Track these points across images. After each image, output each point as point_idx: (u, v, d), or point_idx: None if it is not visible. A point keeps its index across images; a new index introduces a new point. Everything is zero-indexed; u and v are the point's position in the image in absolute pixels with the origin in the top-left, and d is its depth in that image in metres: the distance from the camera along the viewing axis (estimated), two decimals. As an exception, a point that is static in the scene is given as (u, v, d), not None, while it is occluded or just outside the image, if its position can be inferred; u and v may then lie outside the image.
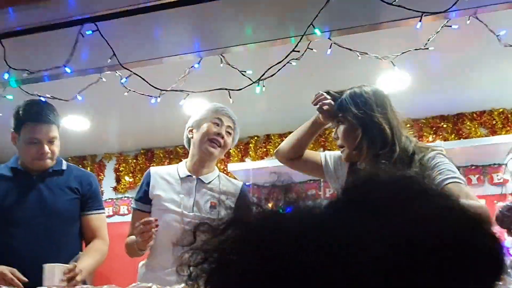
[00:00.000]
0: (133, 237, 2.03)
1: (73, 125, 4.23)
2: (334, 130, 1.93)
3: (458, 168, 4.17)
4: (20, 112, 2.17)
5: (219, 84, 2.59)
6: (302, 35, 1.80)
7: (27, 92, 2.36)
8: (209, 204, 2.12)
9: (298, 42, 1.86)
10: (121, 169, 4.90)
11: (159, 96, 2.24)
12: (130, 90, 2.02)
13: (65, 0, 1.72)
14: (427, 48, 2.02)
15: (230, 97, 2.00)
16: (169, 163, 4.79)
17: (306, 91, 3.74)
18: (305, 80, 3.56)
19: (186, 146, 2.29)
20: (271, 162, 4.13)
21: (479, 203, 1.68)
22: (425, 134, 4.24)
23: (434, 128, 4.26)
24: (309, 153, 2.10)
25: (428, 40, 2.00)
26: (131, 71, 1.91)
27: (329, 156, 2.06)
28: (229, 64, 2.11)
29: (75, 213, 2.27)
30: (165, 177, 2.18)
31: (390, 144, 1.77)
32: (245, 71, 2.07)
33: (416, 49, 2.06)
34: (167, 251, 1.97)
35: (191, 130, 2.21)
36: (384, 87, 3.49)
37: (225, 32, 2.07)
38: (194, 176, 2.17)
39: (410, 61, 2.60)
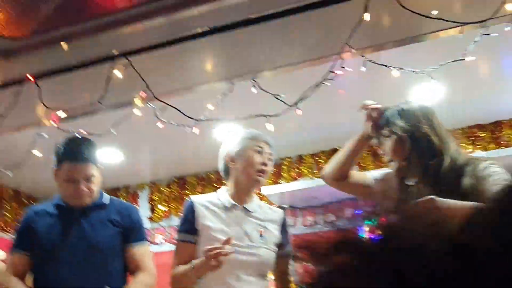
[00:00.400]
0: (184, 266, 1.99)
1: (106, 157, 4.27)
2: (380, 146, 1.94)
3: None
4: (59, 150, 2.22)
5: (250, 109, 2.56)
6: (338, 54, 1.76)
7: (62, 130, 2.38)
8: (257, 233, 2.07)
9: (335, 63, 1.82)
10: (154, 198, 4.91)
11: (194, 125, 2.22)
12: (166, 122, 2.01)
13: (97, 38, 1.72)
14: (463, 59, 1.95)
15: (269, 122, 1.96)
16: (203, 190, 4.77)
17: (338, 109, 3.74)
18: (335, 98, 3.51)
19: (224, 174, 2.25)
20: (305, 184, 4.07)
21: None
22: (462, 144, 4.12)
23: (471, 138, 4.13)
24: (356, 174, 2.07)
25: (466, 51, 1.93)
26: (166, 103, 1.91)
27: (378, 175, 2.02)
28: (261, 89, 2.08)
29: (117, 247, 2.25)
30: (209, 207, 2.13)
31: (438, 155, 1.77)
32: (279, 95, 2.03)
33: (454, 61, 1.99)
34: (219, 283, 1.95)
35: (232, 160, 2.16)
36: (418, 100, 3.45)
37: (256, 57, 2.05)
38: (239, 205, 2.13)
39: (443, 71, 2.54)
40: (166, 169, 4.73)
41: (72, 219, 2.25)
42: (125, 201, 2.51)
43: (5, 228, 4.75)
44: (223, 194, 2.17)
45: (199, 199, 2.18)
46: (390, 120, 1.85)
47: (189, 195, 4.70)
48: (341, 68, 1.94)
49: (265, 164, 2.11)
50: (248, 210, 2.14)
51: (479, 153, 3.87)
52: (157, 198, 4.90)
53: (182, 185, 4.89)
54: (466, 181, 1.67)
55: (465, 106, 3.87)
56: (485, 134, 4.14)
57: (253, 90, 2.13)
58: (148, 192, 4.95)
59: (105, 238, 2.23)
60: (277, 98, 1.98)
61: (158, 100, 1.90)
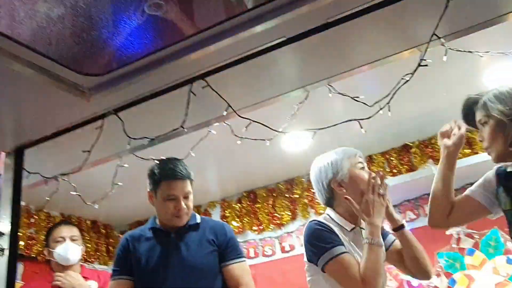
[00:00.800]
0: None
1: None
2: (478, 133, 1.88)
3: None
4: (156, 171, 2.29)
5: (323, 116, 2.50)
6: (427, 44, 1.68)
7: (142, 158, 2.41)
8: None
9: (424, 53, 1.74)
10: (227, 215, 4.92)
11: (270, 139, 2.19)
12: (243, 138, 1.98)
13: (174, 63, 1.72)
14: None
15: (361, 127, 1.90)
16: (274, 202, 4.73)
17: (408, 103, 3.60)
18: (405, 92, 3.38)
19: (326, 201, 2.15)
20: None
21: None
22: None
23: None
24: (458, 202, 1.98)
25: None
26: (249, 119, 1.89)
27: (480, 187, 1.95)
28: (339, 93, 2.02)
29: (215, 266, 2.25)
30: (336, 230, 2.03)
31: None
32: (357, 97, 1.96)
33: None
34: None
35: (339, 185, 2.07)
36: (493, 83, 3.28)
37: (330, 60, 2.00)
38: (356, 227, 2.09)
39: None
40: (235, 184, 4.74)
41: (170, 241, 2.28)
42: (216, 219, 2.52)
43: (88, 259, 4.89)
44: (337, 217, 2.08)
45: (325, 222, 2.04)
46: (488, 104, 1.78)
47: (260, 208, 4.73)
48: (423, 61, 1.84)
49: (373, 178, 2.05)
50: (363, 229, 2.06)
51: None
52: (229, 215, 4.91)
53: (253, 199, 4.88)
54: None
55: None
56: None
57: (329, 95, 2.07)
58: (220, 210, 4.97)
59: (203, 258, 2.23)
60: (357, 100, 1.91)
61: (241, 117, 1.88)
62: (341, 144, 2.30)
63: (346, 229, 2.04)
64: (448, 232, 3.87)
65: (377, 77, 2.61)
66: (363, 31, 1.87)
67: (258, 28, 1.72)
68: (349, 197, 1.98)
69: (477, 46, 2.07)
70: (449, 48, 1.92)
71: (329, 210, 2.13)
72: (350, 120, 1.90)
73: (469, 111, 1.90)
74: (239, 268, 2.27)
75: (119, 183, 2.46)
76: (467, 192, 2.00)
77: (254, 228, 4.76)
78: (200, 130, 2.29)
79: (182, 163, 2.31)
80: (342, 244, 1.95)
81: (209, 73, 1.84)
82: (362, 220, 2.03)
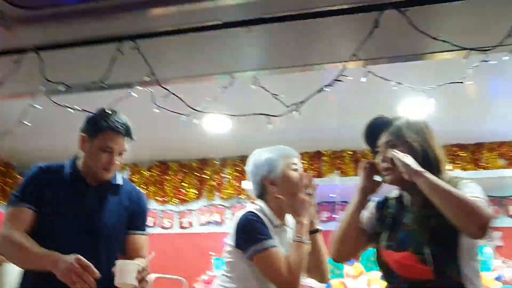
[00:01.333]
0: None
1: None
2: (378, 154, 1.89)
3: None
4: (102, 118, 2.17)
5: (247, 104, 2.59)
6: (342, 69, 1.79)
7: (57, 103, 2.37)
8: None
9: (342, 70, 1.86)
10: (134, 180, 4.89)
11: (188, 115, 2.24)
12: (162, 107, 2.02)
13: (108, 17, 1.72)
14: (462, 82, 2.02)
15: (270, 123, 1.99)
16: (183, 177, 4.78)
17: (324, 114, 3.79)
18: (323, 104, 3.55)
19: (258, 195, 2.18)
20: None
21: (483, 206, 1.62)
22: (442, 162, 4.22)
23: (452, 157, 4.24)
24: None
25: (466, 74, 2.00)
26: (169, 90, 1.92)
27: (369, 213, 2.00)
28: (261, 87, 2.10)
29: (123, 232, 2.21)
30: (267, 224, 2.07)
31: (437, 169, 1.78)
32: (277, 95, 2.06)
33: (453, 82, 2.05)
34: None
35: (271, 183, 2.12)
36: (406, 112, 3.53)
37: (258, 55, 2.08)
38: (283, 224, 2.15)
39: (435, 89, 2.59)
40: (149, 152, 4.72)
41: (87, 194, 2.17)
42: (134, 185, 2.40)
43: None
44: (269, 212, 2.11)
45: (256, 211, 2.09)
46: (403, 128, 1.83)
47: (168, 181, 4.76)
48: (342, 76, 1.97)
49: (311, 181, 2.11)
50: (289, 227, 2.16)
51: (457, 172, 3.98)
52: (137, 180, 4.89)
53: (163, 170, 4.89)
54: None
55: (450, 124, 3.96)
56: (465, 154, 4.25)
57: (253, 87, 2.15)
58: (128, 173, 4.93)
59: (116, 221, 2.18)
60: (276, 98, 2.01)
61: (161, 86, 1.90)
62: (258, 136, 2.38)
63: (274, 224, 2.10)
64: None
65: (303, 82, 2.74)
66: (298, 34, 1.97)
67: (198, 5, 1.76)
68: (280, 196, 2.05)
69: (396, 77, 2.25)
70: (368, 71, 2.08)
71: (260, 202, 2.16)
72: (261, 114, 1.99)
73: (375, 130, 1.91)
74: (144, 240, 2.26)
75: (27, 123, 2.40)
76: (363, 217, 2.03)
77: (158, 198, 4.79)
78: (121, 89, 2.29)
79: (126, 119, 2.22)
80: (272, 237, 2.02)
81: (141, 36, 1.84)
82: (285, 218, 2.14)
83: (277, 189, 2.10)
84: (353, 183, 4.02)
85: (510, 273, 3.85)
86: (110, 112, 2.19)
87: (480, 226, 1.59)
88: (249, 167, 2.23)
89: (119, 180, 2.27)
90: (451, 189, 1.64)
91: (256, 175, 2.17)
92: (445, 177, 1.78)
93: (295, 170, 2.14)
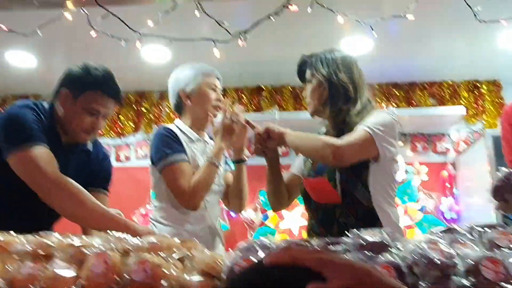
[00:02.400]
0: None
1: (18, 61, 3.96)
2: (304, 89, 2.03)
3: (405, 134, 4.34)
4: (90, 76, 1.91)
5: (189, 33, 2.49)
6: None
7: (-21, 22, 2.17)
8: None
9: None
10: (67, 112, 4.68)
11: (128, 40, 2.12)
12: (100, 31, 1.89)
13: None
14: (406, 17, 2.04)
15: (215, 47, 1.92)
16: (119, 110, 4.63)
17: (268, 47, 3.75)
18: (269, 35, 3.50)
19: (175, 109, 2.25)
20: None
21: (341, 141, 1.79)
22: (378, 100, 4.35)
23: (387, 95, 4.37)
24: (287, 182, 2.09)
25: (408, 9, 2.01)
26: (108, 10, 1.79)
27: (298, 160, 2.13)
28: (205, 13, 2.02)
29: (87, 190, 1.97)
30: (181, 137, 2.13)
31: (352, 101, 1.89)
32: (223, 22, 1.99)
33: (394, 16, 2.06)
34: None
35: (187, 97, 2.16)
36: (346, 49, 3.57)
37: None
38: (201, 138, 2.20)
39: (374, 26, 2.62)
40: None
41: (59, 151, 1.91)
42: (103, 147, 2.20)
43: None
44: (184, 127, 2.17)
45: (172, 127, 2.14)
46: (313, 65, 1.94)
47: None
48: (288, 5, 1.92)
49: (219, 100, 2.16)
50: (207, 142, 2.21)
51: (391, 109, 4.12)
52: (70, 112, 4.68)
53: (98, 101, 4.70)
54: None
55: (387, 63, 4.06)
56: (399, 93, 4.40)
57: (196, 13, 2.06)
58: (60, 104, 4.70)
59: (81, 184, 1.90)
60: (221, 25, 1.94)
61: (100, 5, 1.77)
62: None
63: (191, 138, 2.15)
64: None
65: (247, 12, 2.66)
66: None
67: None
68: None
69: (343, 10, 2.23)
70: (316, 2, 2.05)
71: (177, 120, 2.22)
72: (207, 39, 1.92)
73: (301, 69, 2.04)
74: (106, 200, 2.08)
75: None
76: (291, 169, 2.15)
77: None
78: (54, 10, 2.12)
79: (117, 83, 1.98)
80: (183, 152, 2.06)
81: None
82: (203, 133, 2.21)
83: (191, 103, 2.16)
84: (292, 117, 4.12)
85: (431, 205, 4.15)
86: (101, 70, 1.93)
87: (325, 158, 1.80)
88: (169, 81, 2.27)
89: (90, 146, 2.08)
90: (303, 138, 1.86)
91: (174, 88, 2.22)
92: (366, 107, 1.90)
93: (213, 89, 2.17)
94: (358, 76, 1.94)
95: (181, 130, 2.15)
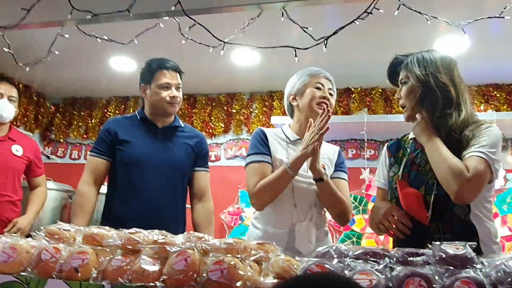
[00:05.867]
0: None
1: (120, 66, 4.26)
2: (397, 90, 1.93)
3: (506, 139, 4.03)
4: (151, 65, 2.51)
5: (276, 38, 2.52)
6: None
7: (84, 32, 2.37)
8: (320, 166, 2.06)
9: (372, 4, 1.78)
10: (163, 112, 4.95)
11: (215, 47, 2.21)
12: (189, 38, 1.99)
13: None
14: (503, 17, 1.91)
15: (296, 55, 1.95)
16: (211, 111, 4.81)
17: (358, 49, 3.69)
18: (358, 37, 3.45)
19: (289, 113, 2.32)
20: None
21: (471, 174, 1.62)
22: (476, 102, 4.10)
23: (486, 97, 4.11)
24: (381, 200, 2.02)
25: (505, 8, 1.89)
26: (195, 20, 1.88)
27: (381, 175, 2.06)
28: (290, 19, 2.04)
29: (190, 167, 2.51)
30: (276, 138, 2.21)
31: (455, 105, 1.77)
32: (306, 28, 2.00)
33: (490, 17, 1.94)
34: (283, 209, 2.10)
35: (294, 98, 2.24)
36: (441, 50, 3.41)
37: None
38: (302, 139, 2.15)
39: (471, 26, 2.47)
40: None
41: (157, 135, 2.48)
42: (195, 129, 2.80)
43: (13, 122, 4.82)
44: (287, 129, 2.26)
45: (268, 130, 2.25)
46: (410, 65, 1.84)
47: (196, 114, 4.80)
48: (375, 9, 1.89)
49: (325, 98, 2.16)
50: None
51: (490, 113, 3.87)
52: (165, 113, 4.94)
53: (192, 103, 4.92)
54: (466, 133, 1.72)
55: (485, 63, 3.81)
56: (500, 95, 4.11)
57: (281, 19, 2.09)
58: (157, 106, 4.98)
59: (185, 160, 2.48)
60: (304, 31, 1.95)
61: (187, 15, 1.87)
62: (287, 71, 2.36)
63: (290, 139, 2.19)
64: (361, 177, 4.13)
65: (335, 16, 2.65)
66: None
67: None
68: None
69: (431, 12, 2.14)
70: (402, 4, 1.99)
71: (286, 122, 2.34)
72: (287, 46, 1.94)
73: (393, 70, 1.95)
74: (207, 178, 2.58)
75: (55, 52, 2.42)
76: (377, 185, 2.08)
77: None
78: (148, 20, 2.27)
79: (173, 61, 2.56)
80: (265, 153, 2.12)
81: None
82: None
83: (297, 103, 2.21)
84: (382, 121, 4.02)
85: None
86: (158, 58, 2.52)
87: (459, 195, 1.63)
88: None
89: (182, 123, 2.62)
90: (440, 153, 1.68)
91: (285, 93, 2.30)
92: (463, 116, 1.74)
93: (318, 88, 2.18)
94: (459, 78, 1.82)
95: (283, 131, 2.23)
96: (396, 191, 1.85)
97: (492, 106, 4.09)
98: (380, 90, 4.40)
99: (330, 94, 2.21)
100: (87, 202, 2.40)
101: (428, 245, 1.44)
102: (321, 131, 1.96)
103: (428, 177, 1.76)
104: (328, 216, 2.22)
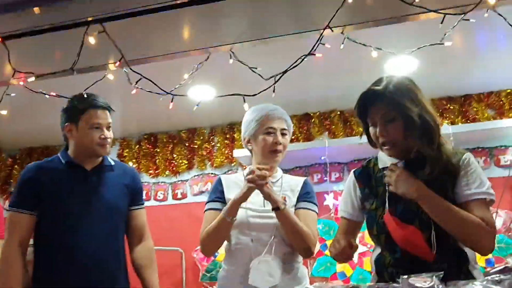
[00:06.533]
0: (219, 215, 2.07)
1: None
2: (377, 127, 1.75)
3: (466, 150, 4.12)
4: (77, 102, 2.26)
5: (227, 76, 2.54)
6: (320, 37, 1.74)
7: (32, 90, 2.32)
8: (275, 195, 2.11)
9: (315, 46, 1.80)
10: (124, 154, 4.87)
11: (167, 93, 2.19)
12: (138, 87, 1.98)
13: (71, 2, 1.65)
14: (443, 43, 1.97)
15: (244, 101, 1.96)
16: (173, 148, 4.76)
17: (310, 77, 3.73)
18: (308, 67, 3.49)
19: (249, 153, 2.32)
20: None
21: (489, 225, 1.64)
22: (431, 116, 4.19)
23: (440, 110, 4.21)
24: (344, 233, 1.95)
25: (445, 35, 1.95)
26: (140, 74, 1.87)
27: (349, 205, 1.98)
28: (238, 61, 2.06)
29: (126, 207, 2.36)
30: (235, 181, 2.25)
31: (437, 144, 1.71)
32: (255, 68, 2.01)
33: (432, 44, 2.00)
34: (240, 244, 2.11)
35: (248, 142, 2.26)
36: (392, 71, 3.49)
37: (233, 28, 2.02)
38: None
39: (418, 45, 2.54)
40: (137, 125, 4.67)
41: (87, 178, 2.29)
42: (125, 163, 2.62)
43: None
44: (247, 171, 2.19)
45: (227, 177, 2.32)
46: (395, 98, 1.68)
47: (159, 153, 4.74)
48: (320, 44, 1.91)
49: (277, 143, 2.17)
50: (271, 181, 2.16)
51: (446, 127, 3.96)
52: (127, 154, 4.86)
53: (153, 142, 4.86)
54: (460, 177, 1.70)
55: (436, 78, 3.90)
56: (453, 107, 4.22)
57: (230, 61, 2.10)
58: (118, 148, 4.90)
59: (120, 200, 2.32)
60: (253, 71, 1.97)
61: (132, 70, 1.86)
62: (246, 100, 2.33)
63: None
64: (325, 203, 4.13)
65: (283, 51, 2.68)
66: (274, 6, 1.90)
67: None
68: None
69: (376, 40, 2.19)
70: (347, 38, 2.02)
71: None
72: (236, 94, 1.95)
73: (366, 103, 1.77)
74: (143, 215, 2.44)
75: (3, 111, 2.36)
76: (342, 215, 1.98)
77: (150, 171, 4.77)
78: (95, 72, 2.24)
79: (101, 96, 2.32)
80: (217, 200, 2.19)
81: (107, 19, 1.78)
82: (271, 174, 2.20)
83: (251, 147, 2.24)
84: (343, 144, 4.04)
85: (499, 223, 3.89)
86: (84, 95, 2.27)
87: (486, 249, 1.65)
88: None
89: (111, 161, 2.41)
90: (455, 213, 1.62)
91: (241, 135, 2.31)
92: (445, 149, 1.71)
93: (269, 133, 2.18)
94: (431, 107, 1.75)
95: (244, 174, 2.21)
96: (384, 227, 1.75)
97: (447, 118, 4.19)
98: (339, 113, 4.45)
99: (284, 134, 2.22)
100: (14, 268, 2.11)
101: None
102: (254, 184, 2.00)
103: (420, 212, 1.69)
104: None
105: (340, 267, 4.03)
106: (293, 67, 1.91)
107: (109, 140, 2.31)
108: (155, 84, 1.88)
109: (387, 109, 1.71)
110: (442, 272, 1.46)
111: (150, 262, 2.35)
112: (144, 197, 2.55)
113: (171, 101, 2.02)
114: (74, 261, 2.11)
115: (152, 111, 4.32)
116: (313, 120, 4.51)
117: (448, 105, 4.24)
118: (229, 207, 2.03)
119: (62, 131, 2.33)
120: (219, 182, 2.26)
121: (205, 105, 4.20)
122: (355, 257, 4.06)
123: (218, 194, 2.22)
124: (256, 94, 1.89)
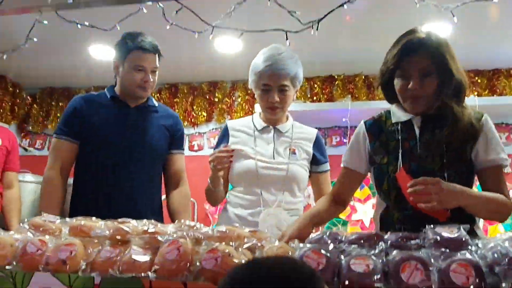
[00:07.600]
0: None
1: (100, 54, 4.16)
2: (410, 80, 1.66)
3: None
4: (128, 40, 2.24)
5: (260, 25, 2.48)
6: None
7: (64, 18, 2.29)
8: (288, 151, 2.12)
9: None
10: (144, 102, 4.87)
11: (200, 32, 2.16)
12: (173, 23, 1.94)
13: None
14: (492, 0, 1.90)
15: (287, 38, 1.91)
16: (193, 100, 4.75)
17: (342, 36, 3.67)
18: (343, 23, 3.42)
19: None
20: (300, 106, 4.05)
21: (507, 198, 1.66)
22: (457, 88, 4.13)
23: (468, 82, 4.13)
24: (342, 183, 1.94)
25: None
26: (182, 3, 1.83)
27: (353, 155, 1.91)
28: (277, 3, 2.01)
29: (166, 150, 2.37)
30: (243, 129, 2.20)
31: (461, 101, 1.71)
32: (295, 12, 1.97)
33: (477, 0, 1.93)
34: (250, 194, 2.10)
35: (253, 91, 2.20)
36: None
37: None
38: (271, 127, 2.18)
39: (453, 12, 2.46)
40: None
41: (129, 115, 2.30)
42: (170, 108, 2.57)
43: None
44: (256, 117, 2.23)
45: (234, 122, 2.26)
46: (443, 56, 1.62)
47: (178, 103, 4.73)
48: (349, 4, 1.86)
49: (275, 102, 2.09)
50: (280, 131, 2.17)
51: (472, 98, 3.89)
52: (147, 103, 4.86)
53: (173, 92, 4.85)
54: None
55: (467, 49, 3.82)
56: (481, 81, 4.15)
57: (268, 4, 2.05)
58: (138, 95, 4.89)
59: (159, 141, 2.32)
60: (292, 15, 1.92)
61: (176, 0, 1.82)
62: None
63: (258, 128, 2.19)
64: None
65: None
66: None
67: None
68: None
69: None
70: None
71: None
72: (277, 30, 1.91)
73: (403, 53, 1.66)
74: (182, 160, 2.45)
75: (34, 39, 2.34)
76: (346, 165, 1.90)
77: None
78: (130, 5, 2.21)
79: (152, 38, 2.28)
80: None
81: None
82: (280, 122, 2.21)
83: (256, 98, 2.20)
84: (365, 107, 4.02)
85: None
86: (136, 33, 2.26)
87: (504, 220, 1.70)
88: None
89: (155, 103, 2.42)
90: (490, 201, 1.63)
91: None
92: (467, 111, 1.67)
93: (265, 92, 2.09)
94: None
95: (253, 120, 2.22)
96: (396, 183, 1.71)
97: (474, 91, 4.12)
98: (363, 77, 4.39)
99: (283, 90, 2.08)
100: (56, 191, 2.20)
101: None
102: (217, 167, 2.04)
103: (436, 170, 1.66)
104: (310, 200, 2.23)
105: (350, 229, 4.05)
106: (332, 11, 1.85)
107: (151, 83, 2.29)
108: (197, 15, 1.83)
109: (427, 62, 1.63)
110: (469, 225, 1.45)
111: (184, 208, 2.39)
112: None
113: (211, 33, 1.95)
114: (108, 191, 2.18)
115: (175, 62, 4.29)
116: (336, 82, 4.46)
117: (476, 78, 4.17)
118: (211, 181, 2.09)
119: (112, 67, 2.36)
120: (225, 130, 2.24)
121: (228, 58, 4.22)
122: (367, 221, 4.08)
123: (223, 141, 2.22)
124: (298, 32, 1.84)
